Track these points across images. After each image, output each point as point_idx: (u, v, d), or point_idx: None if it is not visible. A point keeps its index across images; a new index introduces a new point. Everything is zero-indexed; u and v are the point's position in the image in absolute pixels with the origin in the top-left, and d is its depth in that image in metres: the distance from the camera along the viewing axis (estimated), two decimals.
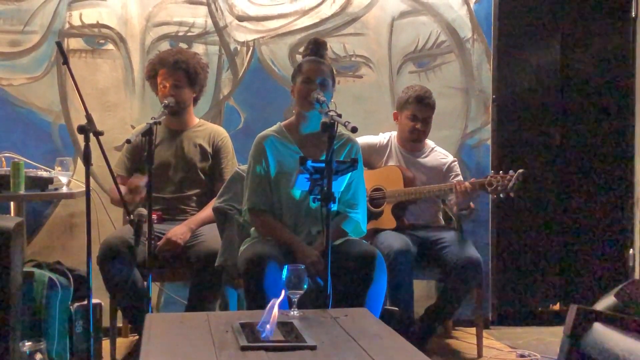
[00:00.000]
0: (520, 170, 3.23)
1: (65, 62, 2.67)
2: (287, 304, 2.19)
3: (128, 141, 2.82)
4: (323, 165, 2.41)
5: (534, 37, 4.21)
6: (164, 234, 3.24)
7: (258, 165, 2.97)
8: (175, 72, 3.40)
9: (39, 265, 3.19)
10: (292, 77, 3.02)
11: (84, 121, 2.66)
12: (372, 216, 3.50)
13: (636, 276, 4.17)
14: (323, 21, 3.97)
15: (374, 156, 3.68)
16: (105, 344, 3.36)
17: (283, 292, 2.08)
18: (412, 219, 3.59)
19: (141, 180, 3.13)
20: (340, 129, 2.73)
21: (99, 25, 3.81)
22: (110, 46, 3.83)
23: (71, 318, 3.14)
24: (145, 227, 2.70)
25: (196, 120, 3.58)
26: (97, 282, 2.90)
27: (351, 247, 2.89)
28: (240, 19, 3.91)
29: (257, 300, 2.68)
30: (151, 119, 2.79)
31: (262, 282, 2.68)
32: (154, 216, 3.10)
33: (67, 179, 3.43)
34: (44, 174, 3.49)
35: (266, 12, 3.94)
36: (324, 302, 2.40)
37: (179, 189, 3.45)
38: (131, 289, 3.11)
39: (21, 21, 3.76)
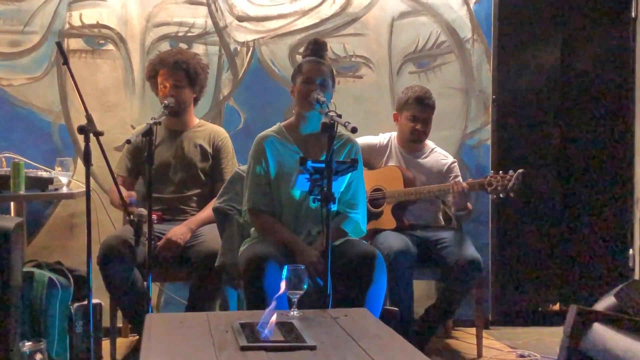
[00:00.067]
0: (520, 170, 3.23)
1: (65, 62, 2.67)
2: (287, 303, 2.20)
3: (128, 141, 2.82)
4: (323, 165, 2.41)
5: (534, 37, 4.21)
6: (164, 234, 3.24)
7: (258, 166, 2.97)
8: (175, 72, 3.40)
9: (39, 265, 3.19)
10: (292, 78, 3.02)
11: (84, 121, 2.66)
12: (372, 216, 3.50)
13: (636, 276, 4.17)
14: (323, 21, 3.97)
15: (374, 156, 3.68)
16: (105, 344, 3.36)
17: (282, 285, 2.08)
18: (412, 219, 3.59)
19: (129, 197, 3.12)
20: (340, 130, 2.73)
21: (99, 26, 3.82)
22: (110, 46, 3.83)
23: (71, 318, 3.14)
24: (145, 227, 2.70)
25: (196, 121, 3.58)
26: (97, 282, 2.90)
27: (351, 247, 2.89)
28: (240, 19, 3.92)
29: (257, 300, 2.68)
30: (151, 119, 2.79)
31: (262, 282, 2.68)
32: (154, 216, 3.10)
33: (67, 179, 3.43)
34: (44, 174, 3.49)
35: (266, 13, 3.94)
36: (324, 302, 2.40)
37: (179, 189, 3.45)
38: (131, 289, 3.11)
39: (21, 21, 3.76)
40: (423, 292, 3.87)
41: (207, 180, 3.48)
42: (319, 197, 2.42)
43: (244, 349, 1.81)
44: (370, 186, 3.56)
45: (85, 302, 2.87)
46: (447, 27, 4.04)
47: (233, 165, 3.46)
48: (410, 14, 4.02)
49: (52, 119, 3.82)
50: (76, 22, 3.80)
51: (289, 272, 2.17)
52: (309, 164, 2.43)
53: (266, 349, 1.81)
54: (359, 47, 3.99)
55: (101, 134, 2.69)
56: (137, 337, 3.56)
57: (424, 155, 3.69)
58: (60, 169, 3.41)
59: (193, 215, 3.39)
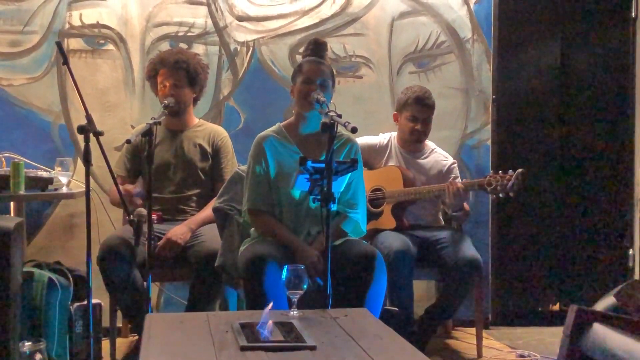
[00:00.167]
0: (520, 170, 3.23)
1: (65, 62, 2.68)
2: (287, 304, 2.20)
3: (128, 141, 2.82)
4: (323, 165, 2.41)
5: (534, 37, 4.22)
6: (164, 234, 3.24)
7: (258, 166, 2.97)
8: (175, 72, 3.40)
9: (39, 265, 3.19)
10: (292, 78, 3.01)
11: (84, 121, 2.66)
12: (371, 216, 3.50)
13: (636, 276, 4.17)
14: (323, 21, 3.97)
15: (373, 156, 3.68)
16: (105, 344, 3.36)
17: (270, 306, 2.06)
18: (412, 219, 3.59)
19: (134, 188, 3.13)
20: (340, 130, 2.73)
21: (99, 26, 3.82)
22: (110, 46, 3.83)
23: (71, 318, 3.14)
24: (145, 227, 2.70)
25: (196, 120, 3.58)
26: (97, 282, 2.90)
27: (351, 247, 2.89)
28: (240, 19, 3.92)
29: (257, 300, 2.68)
30: (151, 119, 2.79)
31: (262, 282, 2.68)
32: (154, 216, 3.10)
33: (67, 179, 3.43)
34: (44, 174, 3.49)
35: (266, 13, 3.94)
36: (324, 302, 2.40)
37: (179, 189, 3.45)
38: (131, 289, 3.11)
39: (21, 21, 3.77)
40: (423, 292, 3.88)
41: (206, 180, 3.48)
42: (318, 197, 2.42)
43: (244, 349, 1.81)
44: (370, 186, 3.56)
45: (85, 302, 2.87)
46: (447, 27, 4.04)
47: (233, 165, 3.46)
48: (410, 14, 4.02)
49: (52, 119, 3.82)
50: (76, 22, 3.80)
51: (289, 272, 2.17)
52: (309, 164, 2.43)
53: (266, 349, 1.81)
54: (359, 47, 3.99)
55: (101, 134, 2.69)
56: (137, 337, 3.55)
57: (424, 156, 3.68)
58: (60, 169, 3.41)
59: (193, 215, 3.39)
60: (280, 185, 2.95)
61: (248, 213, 2.98)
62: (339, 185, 2.86)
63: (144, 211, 2.69)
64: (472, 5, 4.04)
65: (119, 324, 3.57)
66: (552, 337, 3.77)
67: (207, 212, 3.33)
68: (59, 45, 2.68)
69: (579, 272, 4.30)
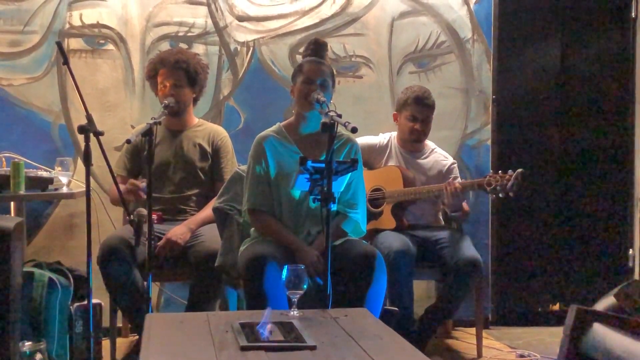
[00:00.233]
0: (519, 170, 3.23)
1: (66, 62, 2.67)
2: (287, 304, 2.20)
3: (128, 141, 2.82)
4: (323, 165, 2.41)
5: (534, 37, 4.21)
6: (164, 234, 3.24)
7: (258, 166, 2.97)
8: (175, 72, 3.40)
9: (39, 265, 3.19)
10: (292, 78, 3.01)
11: (84, 121, 2.66)
12: (371, 216, 3.50)
13: (636, 276, 4.17)
14: (323, 21, 3.97)
15: (373, 156, 3.68)
16: (105, 344, 3.36)
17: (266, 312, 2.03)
18: (412, 219, 3.59)
19: (142, 182, 3.15)
20: (340, 129, 2.73)
21: (99, 26, 3.82)
22: (110, 46, 3.83)
23: (71, 318, 3.15)
24: (145, 227, 2.70)
25: (195, 120, 3.58)
26: (97, 282, 2.90)
27: (351, 247, 2.89)
28: (240, 19, 3.92)
29: (257, 300, 2.68)
30: (151, 119, 2.79)
31: (262, 282, 2.68)
32: (154, 216, 3.10)
33: (67, 179, 3.44)
34: (44, 174, 3.49)
35: (266, 13, 3.94)
36: (324, 302, 2.40)
37: (178, 189, 3.45)
38: (131, 289, 3.10)
39: (21, 21, 3.76)
40: (423, 292, 3.87)
41: (206, 180, 3.48)
42: (318, 197, 2.42)
43: (244, 349, 1.81)
44: (370, 186, 3.56)
45: (85, 302, 2.87)
46: (447, 27, 4.04)
47: (233, 165, 3.46)
48: (410, 14, 4.01)
49: (52, 119, 3.82)
50: (76, 22, 3.80)
51: (289, 272, 2.17)
52: (309, 164, 2.43)
53: (266, 349, 1.81)
54: (359, 47, 3.99)
55: (101, 133, 2.69)
56: (137, 337, 3.55)
57: (424, 156, 3.68)
58: (60, 168, 3.41)
59: (193, 215, 3.39)
60: (281, 185, 2.95)
61: (248, 213, 2.98)
62: (339, 185, 2.86)
63: (144, 211, 2.69)
64: (472, 5, 4.04)
65: (119, 324, 3.57)
66: (552, 337, 3.77)
67: (207, 212, 3.33)
68: (59, 45, 2.68)
69: (579, 272, 4.30)
